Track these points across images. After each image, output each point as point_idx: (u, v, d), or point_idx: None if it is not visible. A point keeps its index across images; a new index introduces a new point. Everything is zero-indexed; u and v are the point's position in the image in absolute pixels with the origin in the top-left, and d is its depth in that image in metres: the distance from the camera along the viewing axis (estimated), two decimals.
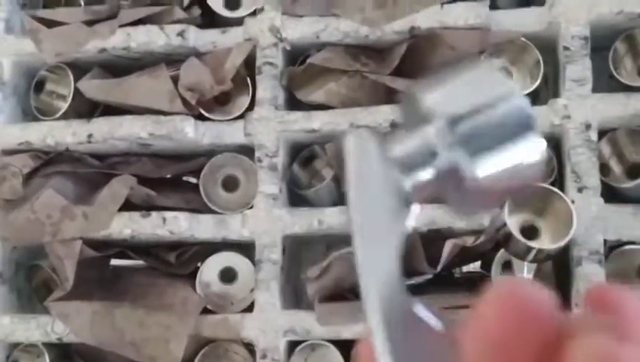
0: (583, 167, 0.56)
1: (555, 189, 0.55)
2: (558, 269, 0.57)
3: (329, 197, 0.62)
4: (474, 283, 0.59)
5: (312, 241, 0.63)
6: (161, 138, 0.61)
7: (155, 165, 0.64)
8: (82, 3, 0.68)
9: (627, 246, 0.56)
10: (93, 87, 0.64)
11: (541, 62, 0.59)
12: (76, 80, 0.65)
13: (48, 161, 0.64)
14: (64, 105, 0.65)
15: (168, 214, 0.61)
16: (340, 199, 0.62)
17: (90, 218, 0.61)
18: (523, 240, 0.54)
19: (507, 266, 0.57)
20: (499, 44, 0.60)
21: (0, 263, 0.63)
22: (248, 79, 0.62)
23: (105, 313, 0.59)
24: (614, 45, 0.59)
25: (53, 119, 0.65)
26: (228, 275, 0.62)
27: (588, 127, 0.56)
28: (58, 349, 0.63)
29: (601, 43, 0.58)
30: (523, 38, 0.59)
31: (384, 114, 0.59)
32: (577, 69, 0.57)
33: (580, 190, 0.55)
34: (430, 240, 0.57)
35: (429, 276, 0.57)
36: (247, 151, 0.62)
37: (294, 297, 0.62)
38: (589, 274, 0.54)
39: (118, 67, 0.65)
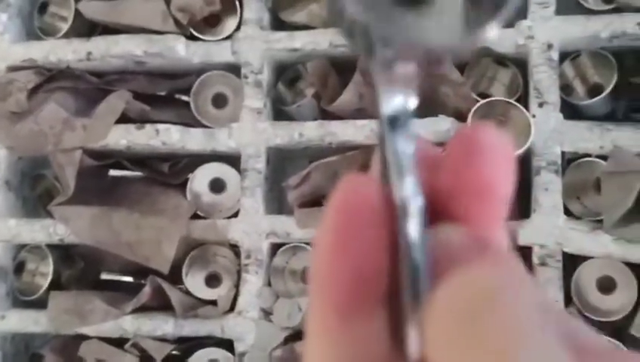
0: (545, 84, 0.60)
1: (516, 103, 0.59)
2: (520, 179, 0.62)
3: (310, 113, 0.66)
4: None
5: (295, 156, 0.67)
6: (154, 56, 0.66)
7: (149, 82, 0.69)
8: None
9: (584, 159, 0.61)
10: (92, 9, 0.68)
11: None
12: (76, 2, 0.69)
13: (51, 77, 0.68)
14: (65, 26, 0.69)
15: (161, 126, 0.65)
16: (320, 115, 0.66)
17: (89, 129, 0.65)
18: None
19: None
20: None
21: (7, 172, 0.68)
22: (236, 1, 0.66)
23: (103, 216, 0.64)
24: None
25: (55, 38, 0.69)
26: (217, 185, 0.67)
27: (550, 46, 0.60)
28: (60, 251, 0.68)
29: None
30: None
31: None
32: None
33: (540, 105, 0.60)
34: None
35: None
36: (235, 69, 0.66)
37: (277, 203, 0.67)
38: (547, 183, 0.59)
39: None
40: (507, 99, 0.59)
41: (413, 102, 0.19)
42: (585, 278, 0.59)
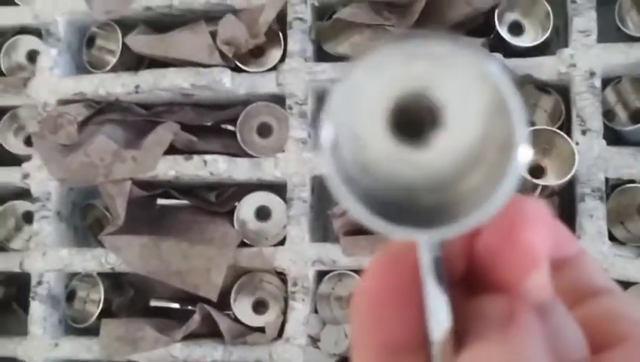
0: (587, 112, 0.60)
1: (559, 131, 0.60)
2: (564, 205, 0.62)
3: None
4: None
5: None
6: (201, 88, 0.67)
7: (196, 113, 0.70)
8: None
9: (627, 185, 0.61)
10: (140, 42, 0.70)
11: (551, 14, 0.64)
12: (124, 36, 0.71)
13: (100, 110, 0.70)
14: (113, 60, 0.71)
15: (208, 157, 0.67)
16: None
17: (138, 161, 0.67)
18: (530, 178, 0.59)
19: None
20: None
21: (58, 203, 0.70)
22: (280, 34, 0.68)
23: (152, 246, 0.66)
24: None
25: (103, 72, 0.71)
26: (263, 213, 0.68)
27: (592, 74, 0.61)
28: (111, 279, 0.70)
29: None
30: None
31: None
32: (583, 21, 0.61)
33: (583, 132, 0.60)
34: None
35: None
36: (279, 100, 0.68)
37: (322, 231, 0.68)
38: (591, 209, 0.59)
39: (162, 24, 0.71)
40: (551, 128, 0.60)
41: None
42: None
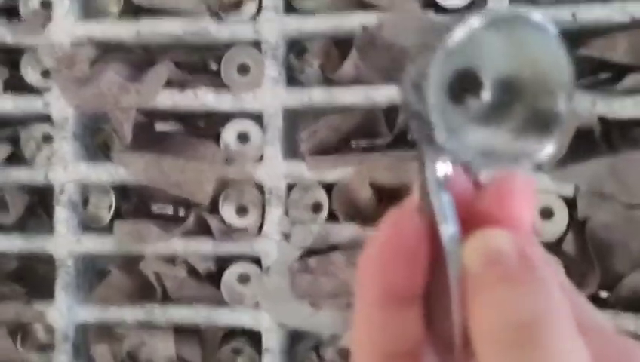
0: None
1: None
2: None
3: (316, 80, 0.83)
4: None
5: (306, 115, 0.84)
6: (191, 34, 0.82)
7: (187, 54, 0.85)
8: None
9: None
10: None
11: None
12: None
13: (107, 50, 0.85)
14: (116, 8, 0.86)
15: (199, 91, 0.82)
16: (324, 82, 0.83)
17: (141, 92, 0.82)
18: None
19: None
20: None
21: (74, 126, 0.84)
22: None
23: (154, 162, 0.82)
24: None
25: (109, 19, 0.86)
26: (243, 137, 0.84)
27: None
28: (119, 189, 0.86)
29: None
30: None
31: (360, 19, 0.79)
32: None
33: None
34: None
35: (388, 138, 0.80)
36: (256, 44, 0.83)
37: (292, 152, 0.84)
38: None
39: None
40: None
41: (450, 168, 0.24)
42: None
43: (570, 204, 0.76)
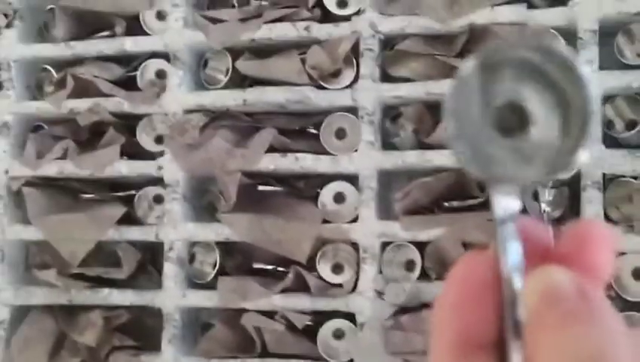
0: None
1: None
2: (572, 194, 0.81)
3: (410, 143, 0.87)
4: None
5: (400, 177, 0.88)
6: (293, 102, 0.88)
7: (288, 121, 0.91)
8: (235, 4, 0.95)
9: (620, 179, 0.80)
10: (246, 66, 0.91)
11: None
12: (233, 60, 0.92)
13: (215, 118, 0.92)
14: (224, 78, 0.93)
15: (299, 155, 0.87)
16: (417, 145, 0.87)
17: (246, 157, 0.88)
18: None
19: (536, 194, 0.81)
20: (534, 35, 0.83)
21: (185, 188, 0.91)
22: (354, 60, 0.88)
23: (257, 221, 0.87)
24: (617, 36, 0.82)
25: (217, 88, 0.93)
26: (339, 198, 0.88)
27: None
28: (224, 246, 0.91)
29: (610, 33, 0.82)
30: (552, 30, 0.83)
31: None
32: (588, 53, 0.80)
33: None
34: None
35: (480, 198, 0.82)
36: (353, 110, 0.87)
37: (386, 212, 0.87)
38: (591, 197, 0.78)
39: (263, 52, 0.92)
40: None
41: (518, 204, 0.25)
42: (621, 269, 0.78)
43: None
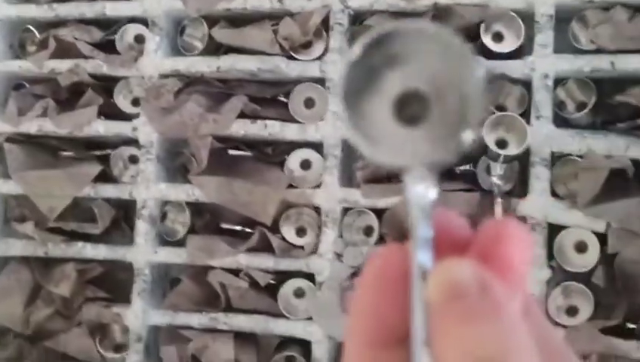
0: (542, 103, 0.84)
1: (518, 116, 0.83)
2: (522, 169, 0.86)
3: None
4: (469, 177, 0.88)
5: None
6: (264, 71, 0.92)
7: (259, 88, 0.95)
8: None
9: (567, 157, 0.85)
10: (221, 34, 0.95)
11: (523, 28, 0.87)
12: (209, 28, 0.96)
13: (190, 83, 0.95)
14: (200, 45, 0.97)
15: (268, 122, 0.91)
16: None
17: (217, 122, 0.92)
18: (496, 148, 0.83)
19: (488, 167, 0.86)
20: (494, 16, 0.87)
21: (158, 149, 0.95)
22: (324, 33, 0.92)
23: (226, 184, 0.91)
24: (572, 21, 0.86)
25: (193, 55, 0.96)
26: (305, 164, 0.93)
27: (546, 76, 0.84)
28: (194, 207, 0.96)
29: (566, 18, 0.86)
30: (511, 12, 0.87)
31: None
32: (543, 37, 0.85)
33: (537, 118, 0.84)
34: None
35: None
36: (322, 82, 0.92)
37: (348, 180, 0.92)
38: (539, 173, 0.83)
39: (238, 21, 0.96)
40: (512, 114, 0.83)
41: (434, 193, 0.25)
42: (565, 242, 0.83)
43: (602, 239, 0.81)
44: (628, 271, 0.80)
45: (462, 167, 0.88)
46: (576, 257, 0.82)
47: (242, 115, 0.92)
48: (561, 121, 0.85)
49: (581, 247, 0.82)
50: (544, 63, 0.84)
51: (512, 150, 0.83)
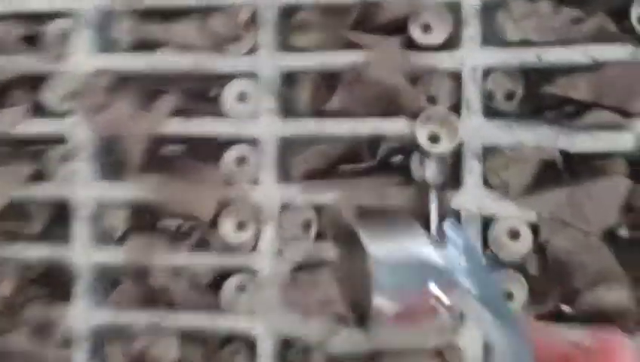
0: (471, 96, 0.85)
1: (450, 112, 0.85)
2: (454, 162, 0.87)
3: (307, 111, 0.92)
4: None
5: (298, 142, 0.93)
6: (196, 67, 0.91)
7: (192, 85, 0.94)
8: None
9: (498, 148, 0.86)
10: (151, 29, 0.93)
11: (451, 20, 0.87)
12: (139, 24, 0.94)
13: (120, 80, 0.94)
14: (130, 41, 0.95)
15: (202, 119, 0.91)
16: (314, 114, 0.91)
17: (150, 120, 0.90)
18: (428, 144, 0.84)
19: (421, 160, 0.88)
20: (422, 7, 0.88)
21: (93, 148, 0.93)
22: (254, 28, 0.91)
23: (163, 182, 0.88)
24: (498, 13, 0.87)
25: (123, 51, 0.95)
26: (241, 161, 0.92)
27: (475, 69, 0.85)
28: (132, 206, 0.95)
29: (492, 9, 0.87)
30: (439, 3, 0.88)
31: (348, 57, 0.88)
32: (471, 29, 0.85)
33: (468, 111, 0.85)
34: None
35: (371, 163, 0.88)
36: (254, 77, 0.91)
37: (286, 176, 0.91)
38: (471, 166, 0.85)
39: (168, 17, 0.94)
40: (444, 109, 0.85)
41: None
42: (499, 232, 0.85)
43: (535, 228, 0.84)
44: (560, 259, 0.83)
45: (396, 159, 0.89)
46: (511, 244, 0.84)
47: (176, 113, 0.92)
48: (491, 113, 0.86)
49: (514, 236, 0.84)
50: (472, 56, 0.85)
51: (445, 145, 0.84)
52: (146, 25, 0.93)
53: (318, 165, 0.89)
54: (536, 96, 0.87)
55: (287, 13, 0.92)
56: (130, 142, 0.92)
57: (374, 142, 0.88)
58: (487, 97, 0.87)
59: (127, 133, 0.91)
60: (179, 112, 0.92)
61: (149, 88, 0.94)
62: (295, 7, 0.91)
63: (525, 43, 0.85)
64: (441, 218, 0.83)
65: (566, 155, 0.84)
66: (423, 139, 0.84)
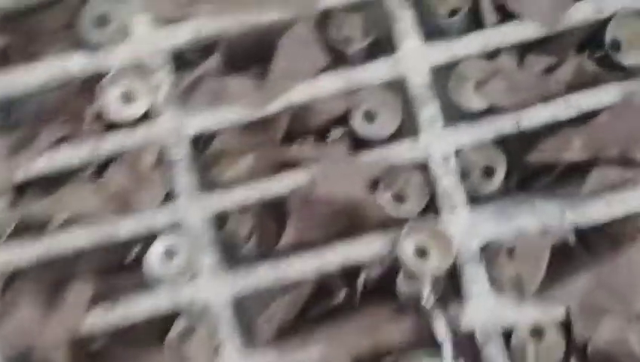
0: (450, 190, 0.70)
1: (436, 226, 0.69)
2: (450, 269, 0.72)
3: (255, 257, 0.75)
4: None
5: (257, 298, 0.76)
6: (103, 238, 0.73)
7: (106, 257, 0.76)
8: None
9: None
10: (34, 208, 0.74)
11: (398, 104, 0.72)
12: (17, 203, 0.75)
13: (12, 279, 0.75)
14: (10, 228, 0.76)
15: (131, 299, 0.73)
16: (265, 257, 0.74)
17: (64, 321, 0.72)
18: (416, 262, 0.69)
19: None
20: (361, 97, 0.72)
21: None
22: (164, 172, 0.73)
23: None
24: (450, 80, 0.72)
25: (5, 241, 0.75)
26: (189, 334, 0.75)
27: (446, 157, 0.70)
28: None
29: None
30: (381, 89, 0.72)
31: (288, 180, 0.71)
32: (428, 111, 0.70)
33: (451, 209, 0.70)
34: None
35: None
36: (179, 231, 0.73)
37: (252, 342, 0.74)
38: (472, 273, 0.70)
39: (52, 185, 0.75)
40: (428, 222, 0.69)
41: None
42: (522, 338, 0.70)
43: (566, 327, 0.70)
44: (604, 353, 0.69)
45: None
46: (540, 352, 0.70)
47: (96, 299, 0.73)
48: (476, 200, 0.71)
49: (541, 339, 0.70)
50: (437, 141, 0.70)
51: (436, 260, 0.69)
52: (29, 202, 0.74)
53: (288, 317, 0.72)
54: (520, 167, 0.72)
55: (202, 143, 0.74)
56: (46, 351, 0.73)
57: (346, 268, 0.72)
58: (462, 179, 0.71)
59: (40, 341, 0.72)
60: (100, 297, 0.73)
61: (52, 278, 0.75)
62: (210, 135, 0.73)
63: (495, 110, 0.70)
64: (455, 342, 0.69)
65: (576, 230, 0.70)
66: (408, 255, 0.68)
